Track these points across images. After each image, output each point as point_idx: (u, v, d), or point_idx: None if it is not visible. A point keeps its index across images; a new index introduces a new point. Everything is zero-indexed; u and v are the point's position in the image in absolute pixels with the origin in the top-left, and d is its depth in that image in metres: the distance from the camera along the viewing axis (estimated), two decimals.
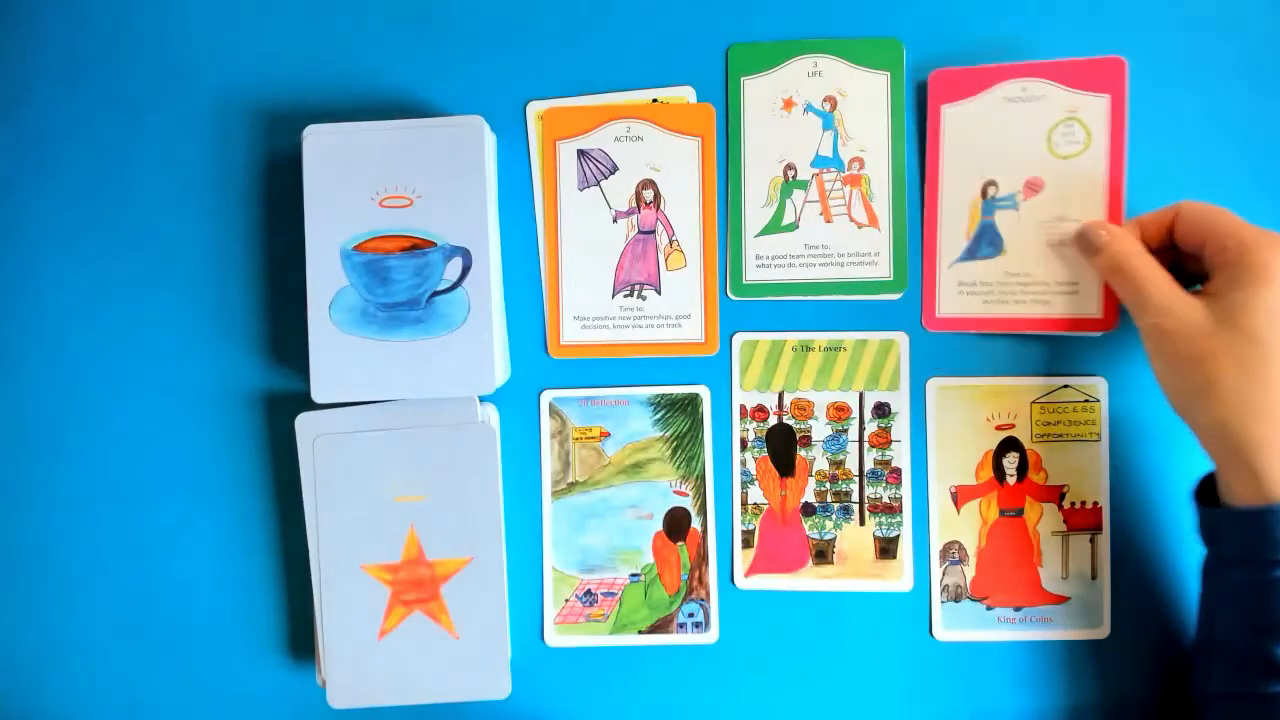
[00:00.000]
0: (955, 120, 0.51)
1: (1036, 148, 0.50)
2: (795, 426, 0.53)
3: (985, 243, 0.51)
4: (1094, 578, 0.52)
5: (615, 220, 0.53)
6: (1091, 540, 0.52)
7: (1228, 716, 0.46)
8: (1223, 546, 0.46)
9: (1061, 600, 0.52)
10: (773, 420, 0.53)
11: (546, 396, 0.53)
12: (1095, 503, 0.52)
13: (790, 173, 0.52)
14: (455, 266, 0.49)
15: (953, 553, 0.52)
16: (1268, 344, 0.43)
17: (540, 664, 0.53)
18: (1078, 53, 0.51)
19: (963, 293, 0.51)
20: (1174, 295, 0.45)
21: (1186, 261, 0.48)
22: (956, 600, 0.52)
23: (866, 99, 0.52)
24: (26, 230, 0.53)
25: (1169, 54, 0.52)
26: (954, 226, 0.51)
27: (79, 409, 0.53)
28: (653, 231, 0.53)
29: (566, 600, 0.53)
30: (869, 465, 0.53)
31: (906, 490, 0.52)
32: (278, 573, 0.53)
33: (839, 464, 0.53)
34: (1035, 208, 0.50)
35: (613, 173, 0.53)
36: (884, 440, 0.53)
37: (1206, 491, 0.48)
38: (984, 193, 0.51)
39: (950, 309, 0.51)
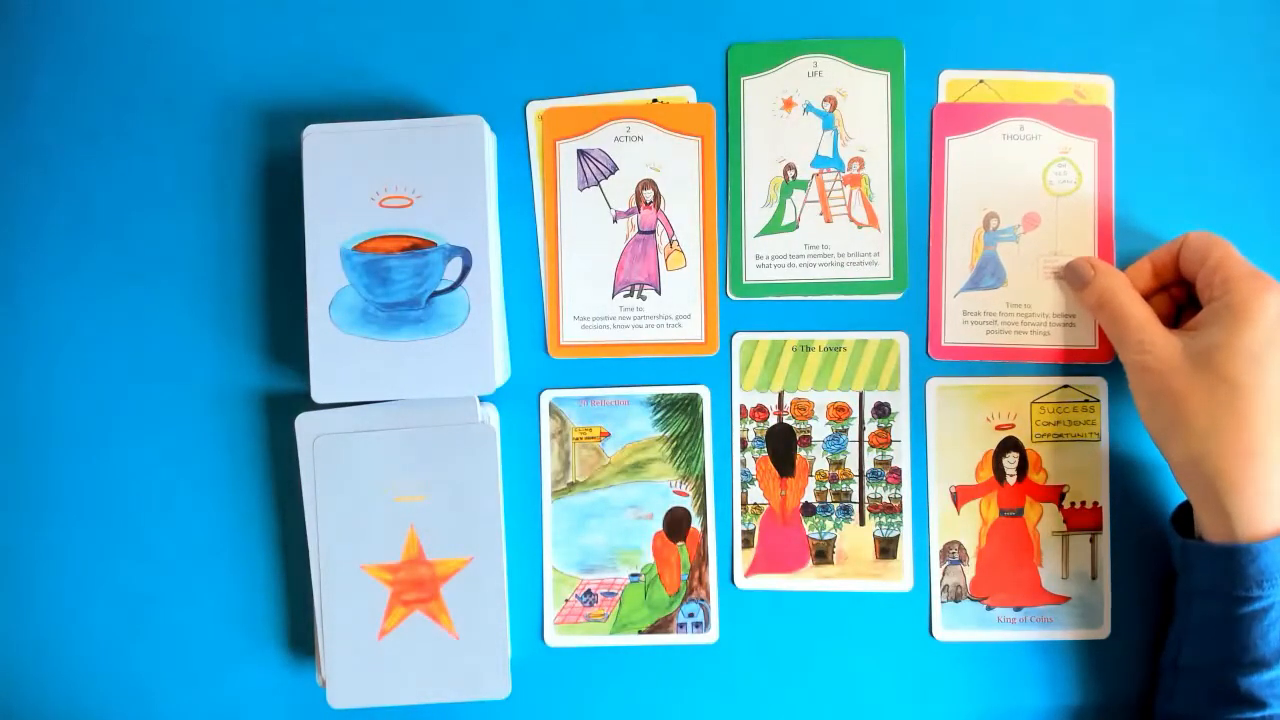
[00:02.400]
0: (959, 153, 0.52)
1: (1034, 184, 0.52)
2: (795, 426, 0.53)
3: (988, 273, 0.52)
4: (1094, 578, 0.52)
5: (615, 220, 0.53)
6: (1091, 540, 0.52)
7: None
8: (1194, 577, 0.46)
9: (1061, 600, 0.52)
10: (773, 420, 0.53)
11: (546, 396, 0.53)
12: (1095, 503, 0.52)
13: (790, 173, 0.52)
14: (455, 266, 0.49)
15: (953, 553, 0.52)
16: (1241, 385, 0.43)
17: (540, 664, 0.53)
18: (1078, 51, 0.51)
19: (967, 322, 0.52)
20: (1153, 331, 0.46)
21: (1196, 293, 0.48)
22: (956, 600, 0.52)
23: (866, 99, 0.52)
24: (26, 230, 0.53)
25: (1168, 51, 0.52)
26: (959, 256, 0.52)
27: (79, 409, 0.53)
28: (653, 231, 0.53)
29: (566, 600, 0.53)
30: (869, 465, 0.53)
31: (906, 490, 0.52)
32: (278, 573, 0.53)
33: (839, 464, 0.53)
34: (1034, 241, 0.52)
35: (613, 173, 0.53)
36: (884, 440, 0.53)
37: (1181, 518, 0.49)
38: (986, 224, 0.52)
39: (955, 338, 0.52)
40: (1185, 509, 0.49)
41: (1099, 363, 0.52)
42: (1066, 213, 0.52)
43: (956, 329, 0.52)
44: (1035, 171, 0.52)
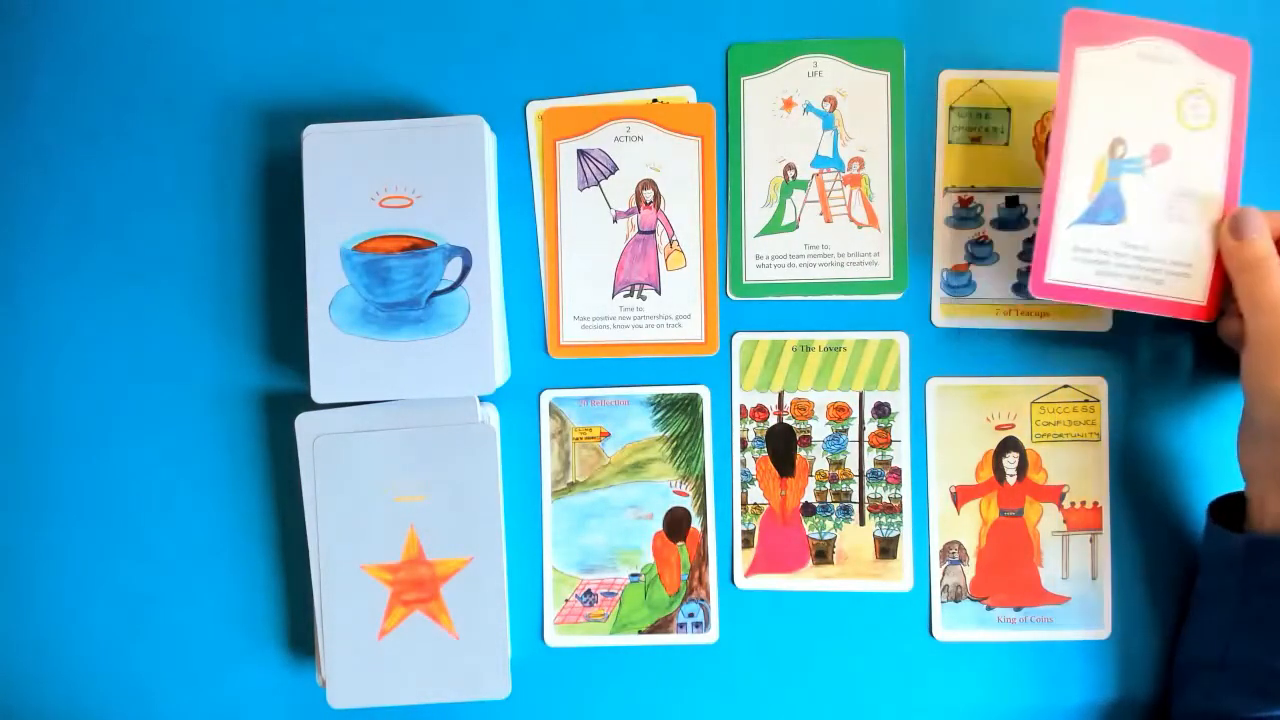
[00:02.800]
0: (1090, 67, 0.47)
1: (1167, 114, 0.47)
2: (795, 426, 0.53)
3: (1108, 207, 0.47)
4: (1094, 578, 0.52)
5: (615, 220, 0.53)
6: (1091, 540, 0.52)
7: None
8: (1259, 571, 0.45)
9: (1061, 600, 0.52)
10: (773, 420, 0.53)
11: (546, 396, 0.53)
12: (1095, 503, 0.52)
13: (790, 173, 0.52)
14: (455, 266, 0.49)
15: (953, 553, 0.52)
16: None
17: (540, 664, 0.53)
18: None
19: (1078, 259, 0.47)
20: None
21: None
22: (956, 600, 0.52)
23: (866, 99, 0.52)
24: (27, 230, 0.53)
25: None
26: (1077, 184, 0.47)
27: (79, 409, 0.53)
28: (653, 231, 0.53)
29: (566, 600, 0.53)
30: (869, 465, 0.53)
31: (906, 490, 0.52)
32: (278, 573, 0.53)
33: (839, 464, 0.53)
34: (1160, 176, 0.47)
35: (613, 173, 0.53)
36: (884, 440, 0.53)
37: (1221, 515, 0.48)
38: (1112, 151, 0.47)
39: (1062, 274, 0.47)
40: (1220, 505, 0.48)
41: (1203, 319, 0.48)
42: (1199, 149, 0.47)
43: (1065, 265, 0.47)
44: (1169, 100, 0.47)
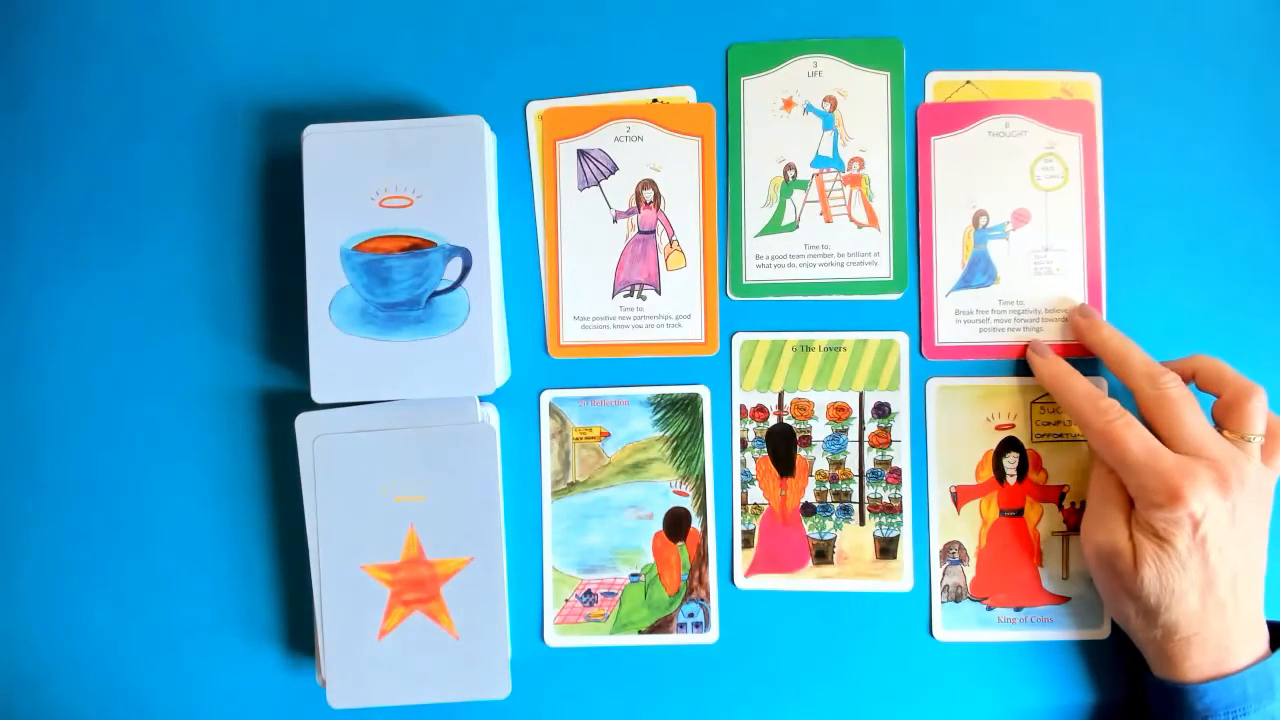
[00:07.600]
0: (945, 152, 0.52)
1: (1021, 180, 0.52)
2: (795, 426, 0.53)
3: (979, 271, 0.52)
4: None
5: (615, 220, 0.53)
6: None
7: None
8: (1152, 706, 0.49)
9: (1061, 600, 0.52)
10: (773, 420, 0.53)
11: (546, 396, 0.53)
12: None
13: (790, 173, 0.52)
14: (455, 266, 0.49)
15: (953, 553, 0.52)
16: (1164, 605, 0.46)
17: (540, 664, 0.53)
18: (1065, 49, 0.52)
19: (960, 321, 0.52)
20: (1119, 532, 0.47)
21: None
22: (956, 600, 0.52)
23: (866, 99, 0.52)
24: (26, 230, 0.53)
25: (1155, 47, 0.52)
26: (949, 255, 0.52)
27: (79, 409, 0.53)
28: (653, 231, 0.53)
29: (566, 600, 0.53)
30: (869, 465, 0.53)
31: (906, 490, 0.53)
32: (277, 573, 0.53)
33: (839, 464, 0.53)
34: (1024, 237, 0.52)
35: (613, 173, 0.53)
36: (884, 440, 0.53)
37: None
38: (975, 222, 0.52)
39: (949, 337, 0.52)
40: None
41: (1092, 357, 0.51)
42: (1056, 208, 0.52)
43: (950, 328, 0.52)
44: (1023, 167, 0.52)
